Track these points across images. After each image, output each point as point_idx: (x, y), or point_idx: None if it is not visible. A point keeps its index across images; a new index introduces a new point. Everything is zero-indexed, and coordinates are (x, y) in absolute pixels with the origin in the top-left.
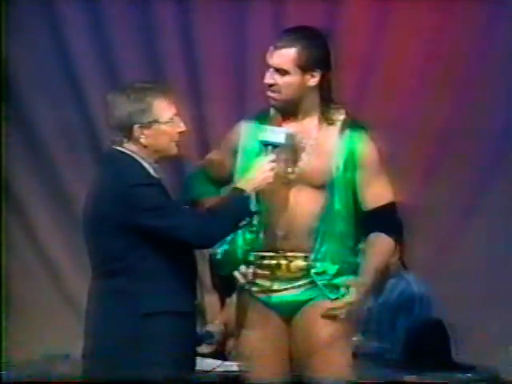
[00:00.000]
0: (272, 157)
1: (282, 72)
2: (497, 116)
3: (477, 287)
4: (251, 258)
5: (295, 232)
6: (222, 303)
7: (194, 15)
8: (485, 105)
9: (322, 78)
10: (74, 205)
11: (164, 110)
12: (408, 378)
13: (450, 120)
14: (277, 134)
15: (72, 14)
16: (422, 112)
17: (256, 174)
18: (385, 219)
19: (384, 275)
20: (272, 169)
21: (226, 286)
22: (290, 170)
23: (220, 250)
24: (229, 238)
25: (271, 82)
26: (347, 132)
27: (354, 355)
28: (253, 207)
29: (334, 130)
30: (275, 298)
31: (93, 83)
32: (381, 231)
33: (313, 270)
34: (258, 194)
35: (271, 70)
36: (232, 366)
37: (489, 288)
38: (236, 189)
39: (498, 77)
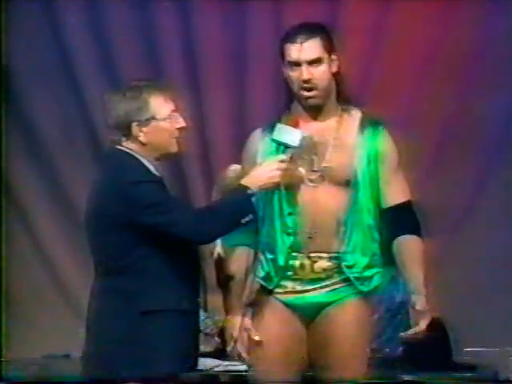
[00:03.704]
0: (282, 157)
1: (317, 62)
2: (497, 115)
3: (477, 287)
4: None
5: (322, 231)
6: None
7: (194, 14)
8: (485, 104)
9: (338, 68)
10: (74, 204)
11: (161, 106)
12: (407, 377)
13: (450, 118)
14: (291, 135)
15: (72, 13)
16: (422, 111)
17: (262, 171)
18: (405, 218)
19: None
20: (279, 168)
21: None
22: (313, 170)
23: (264, 264)
24: (266, 250)
25: (309, 76)
26: (368, 128)
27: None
28: (255, 204)
29: (354, 126)
30: (298, 299)
31: (93, 82)
32: (405, 231)
33: (343, 263)
34: (291, 195)
35: (304, 65)
36: (232, 365)
37: (489, 288)
38: (240, 185)
39: (499, 76)
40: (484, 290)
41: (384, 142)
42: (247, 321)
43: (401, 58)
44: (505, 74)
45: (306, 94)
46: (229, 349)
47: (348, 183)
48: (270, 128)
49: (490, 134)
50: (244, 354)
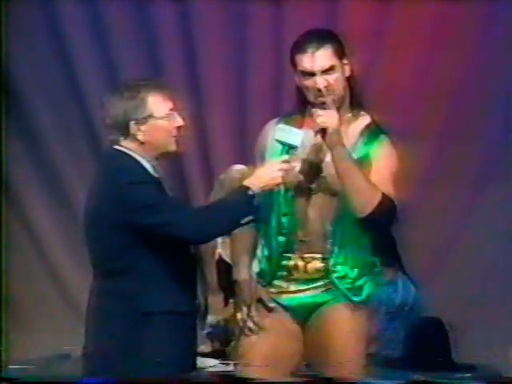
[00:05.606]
0: (285, 157)
1: (330, 70)
2: (496, 116)
3: (476, 287)
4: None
5: (313, 238)
6: (226, 303)
7: (194, 14)
8: (483, 104)
9: (351, 72)
10: (74, 204)
11: (159, 104)
12: (408, 378)
13: (449, 118)
14: (294, 135)
15: (72, 13)
16: (421, 111)
17: (264, 172)
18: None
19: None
20: (282, 169)
21: (231, 286)
22: (310, 178)
23: (260, 260)
24: (263, 247)
25: (325, 84)
26: (367, 136)
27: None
28: (256, 204)
29: (355, 135)
30: (292, 299)
31: (92, 83)
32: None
33: (334, 275)
34: (288, 196)
35: (318, 74)
36: (232, 365)
37: (488, 288)
38: (242, 186)
39: (497, 76)
40: (484, 289)
41: (378, 151)
42: (260, 290)
43: (401, 60)
44: (504, 77)
45: (321, 99)
46: (238, 315)
47: (338, 193)
48: (281, 120)
49: (490, 135)
50: (254, 326)
